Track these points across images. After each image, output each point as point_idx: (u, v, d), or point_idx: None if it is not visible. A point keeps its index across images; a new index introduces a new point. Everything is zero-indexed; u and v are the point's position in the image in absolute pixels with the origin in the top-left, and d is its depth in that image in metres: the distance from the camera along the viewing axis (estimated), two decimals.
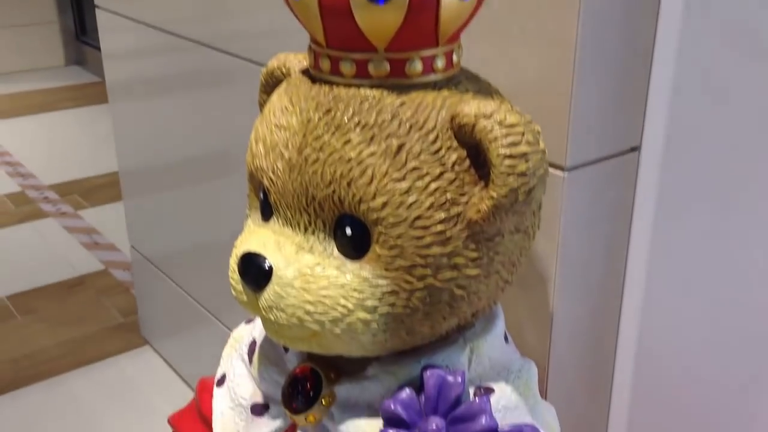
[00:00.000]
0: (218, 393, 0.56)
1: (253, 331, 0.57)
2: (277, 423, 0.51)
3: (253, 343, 0.55)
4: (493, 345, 0.50)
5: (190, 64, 1.06)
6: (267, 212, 0.48)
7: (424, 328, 0.46)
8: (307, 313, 0.44)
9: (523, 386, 0.50)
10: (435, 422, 0.45)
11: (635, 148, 0.60)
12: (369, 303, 0.43)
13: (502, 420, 0.47)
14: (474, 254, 0.44)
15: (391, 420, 0.46)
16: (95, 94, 2.89)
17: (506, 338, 0.52)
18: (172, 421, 0.60)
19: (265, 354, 0.54)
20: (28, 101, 2.93)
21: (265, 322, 0.47)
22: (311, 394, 0.49)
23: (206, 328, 1.22)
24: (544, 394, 0.63)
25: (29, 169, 2.31)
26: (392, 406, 0.46)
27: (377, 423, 0.47)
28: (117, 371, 1.41)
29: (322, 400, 0.49)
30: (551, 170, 0.57)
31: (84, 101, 2.91)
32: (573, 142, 0.56)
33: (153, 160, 1.27)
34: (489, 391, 0.48)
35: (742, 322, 0.60)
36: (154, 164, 1.28)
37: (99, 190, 2.15)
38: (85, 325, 1.54)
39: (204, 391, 0.58)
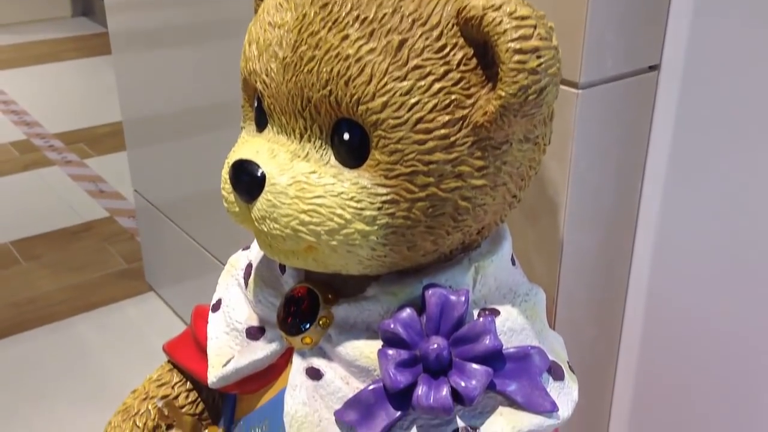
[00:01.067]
0: (213, 318, 0.54)
1: (249, 255, 0.54)
2: (273, 346, 0.49)
3: (249, 266, 0.53)
4: (499, 266, 0.48)
5: (192, 11, 1.03)
6: (261, 122, 0.45)
7: (426, 243, 0.43)
8: (302, 223, 0.41)
9: (530, 310, 0.48)
10: (437, 342, 0.43)
11: (654, 67, 0.57)
12: (367, 213, 0.41)
13: (508, 343, 0.45)
14: (480, 162, 0.41)
15: (390, 340, 0.44)
16: (101, 44, 2.85)
17: (513, 261, 0.50)
18: (167, 348, 0.58)
19: (261, 276, 0.51)
20: (34, 51, 2.90)
21: (259, 235, 0.44)
22: (308, 315, 0.47)
23: (211, 273, 1.20)
24: (552, 325, 0.61)
25: (35, 118, 2.28)
26: (392, 326, 0.43)
27: (377, 344, 0.44)
28: (121, 316, 1.40)
29: (320, 322, 0.47)
30: (563, 88, 0.54)
31: (90, 51, 2.87)
32: (587, 58, 0.53)
33: (156, 108, 1.25)
34: (494, 312, 0.46)
35: (763, 255, 0.57)
36: (157, 113, 1.25)
37: (105, 139, 2.13)
38: (90, 271, 1.53)
39: (199, 318, 0.56)
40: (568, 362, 0.50)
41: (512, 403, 0.44)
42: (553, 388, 0.46)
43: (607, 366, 0.69)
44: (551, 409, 0.44)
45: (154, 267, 1.46)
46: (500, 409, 0.44)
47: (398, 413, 0.43)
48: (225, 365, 0.51)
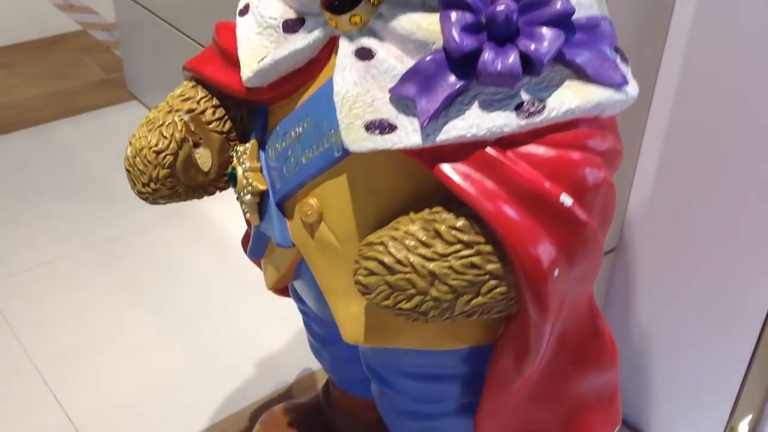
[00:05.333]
0: (241, 22, 0.50)
1: None
2: (315, 34, 0.45)
3: None
4: None
5: None
6: None
7: None
8: None
9: None
10: (505, 3, 0.39)
11: None
12: None
13: (576, 14, 0.42)
14: None
15: (452, 3, 0.40)
16: None
17: None
18: (189, 64, 0.54)
19: None
20: None
21: None
22: None
23: None
24: None
25: None
26: None
27: (435, 16, 0.41)
28: (105, 122, 1.35)
29: None
30: None
31: None
32: None
33: None
34: None
35: None
36: None
37: None
38: (68, 80, 1.46)
39: (224, 29, 0.52)
40: None
41: (580, 76, 0.41)
42: (620, 66, 0.43)
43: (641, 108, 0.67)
44: (621, 83, 0.42)
45: (136, 75, 1.40)
46: (567, 82, 0.41)
47: (461, 82, 0.40)
48: (261, 60, 0.47)
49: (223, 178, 0.55)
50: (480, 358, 0.52)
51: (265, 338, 0.91)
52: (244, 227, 1.12)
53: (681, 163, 0.68)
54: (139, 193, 0.53)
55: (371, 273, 0.43)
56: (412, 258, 0.42)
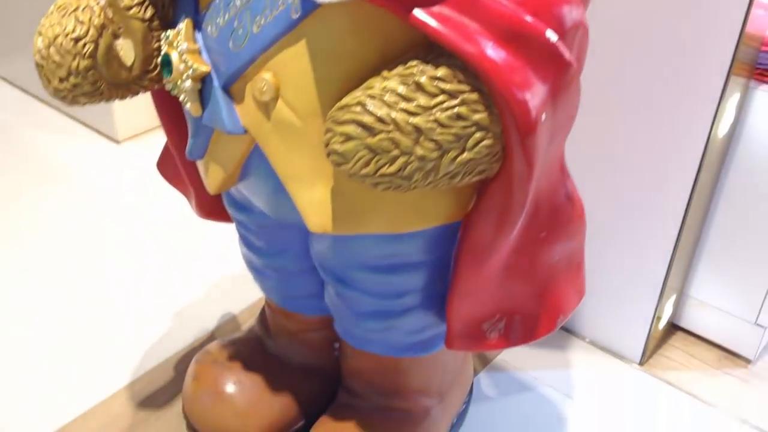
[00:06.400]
0: None
1: None
2: None
3: None
4: None
5: None
6: None
7: None
8: None
9: None
10: None
11: None
12: None
13: None
14: None
15: None
16: None
17: None
18: None
19: None
20: None
21: None
22: None
23: None
24: None
25: None
26: None
27: None
28: None
29: None
30: None
31: None
32: None
33: None
34: None
35: None
36: None
37: None
38: None
39: None
40: None
41: None
42: None
43: None
44: None
45: None
46: None
47: None
48: None
49: (147, 75, 0.49)
50: (446, 240, 0.50)
51: (171, 290, 0.85)
52: (119, 181, 1.04)
53: (601, 66, 0.68)
54: (56, 91, 0.46)
55: (348, 138, 0.40)
56: (395, 114, 0.39)
